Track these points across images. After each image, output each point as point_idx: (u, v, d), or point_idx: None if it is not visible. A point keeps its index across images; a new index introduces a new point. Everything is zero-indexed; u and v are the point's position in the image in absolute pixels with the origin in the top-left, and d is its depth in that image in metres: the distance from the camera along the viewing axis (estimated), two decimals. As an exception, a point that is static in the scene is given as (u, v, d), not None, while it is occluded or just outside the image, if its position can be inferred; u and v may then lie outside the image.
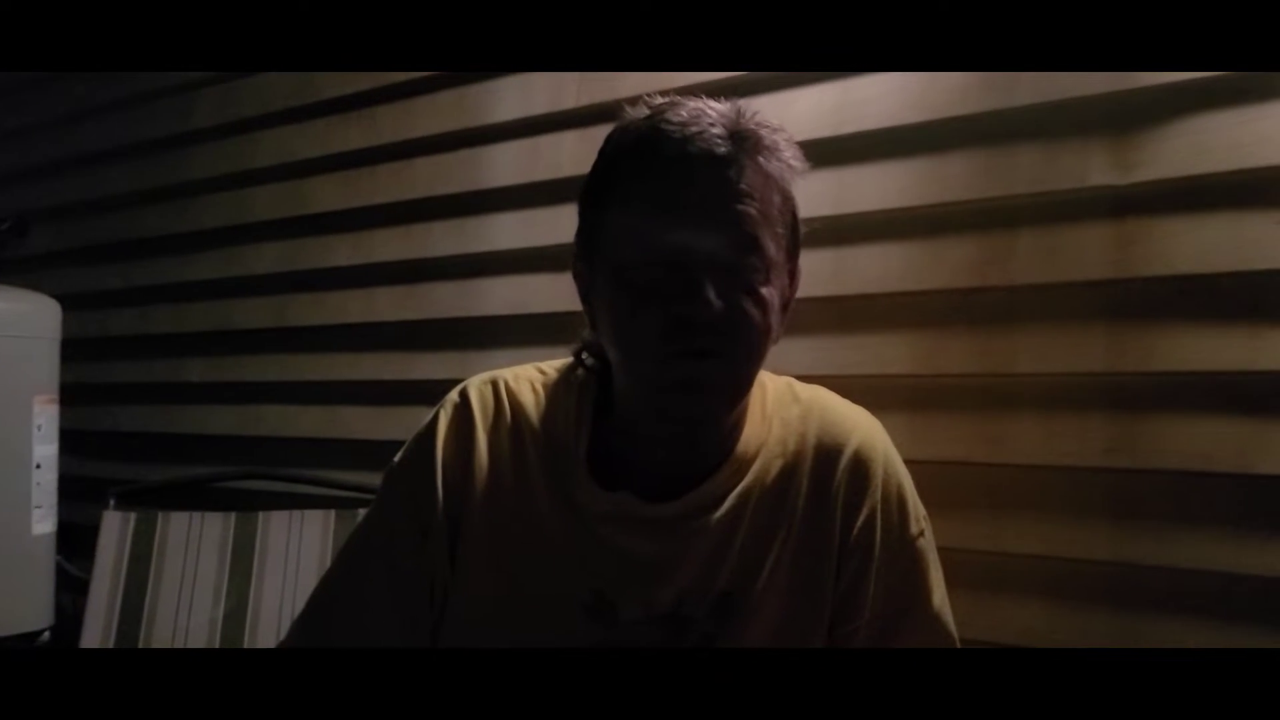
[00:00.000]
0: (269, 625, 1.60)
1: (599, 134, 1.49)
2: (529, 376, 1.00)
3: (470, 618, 0.94)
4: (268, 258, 2.03)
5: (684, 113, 0.87)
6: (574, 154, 1.56)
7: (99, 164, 2.38)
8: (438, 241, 1.75)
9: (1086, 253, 1.11)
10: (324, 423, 1.91)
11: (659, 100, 0.91)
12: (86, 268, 2.40)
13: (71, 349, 2.07)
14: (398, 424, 1.74)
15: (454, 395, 0.99)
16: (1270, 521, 1.00)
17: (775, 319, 0.90)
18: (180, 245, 2.20)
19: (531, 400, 0.98)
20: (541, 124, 1.60)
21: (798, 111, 1.28)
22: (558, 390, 0.99)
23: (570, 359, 1.00)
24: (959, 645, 0.97)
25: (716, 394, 0.90)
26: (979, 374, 1.18)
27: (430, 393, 1.05)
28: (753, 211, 0.86)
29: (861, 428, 0.97)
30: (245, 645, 1.59)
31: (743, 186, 0.86)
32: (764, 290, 0.87)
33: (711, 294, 0.85)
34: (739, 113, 0.89)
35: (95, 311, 2.33)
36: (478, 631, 0.94)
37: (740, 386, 0.91)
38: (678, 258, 0.85)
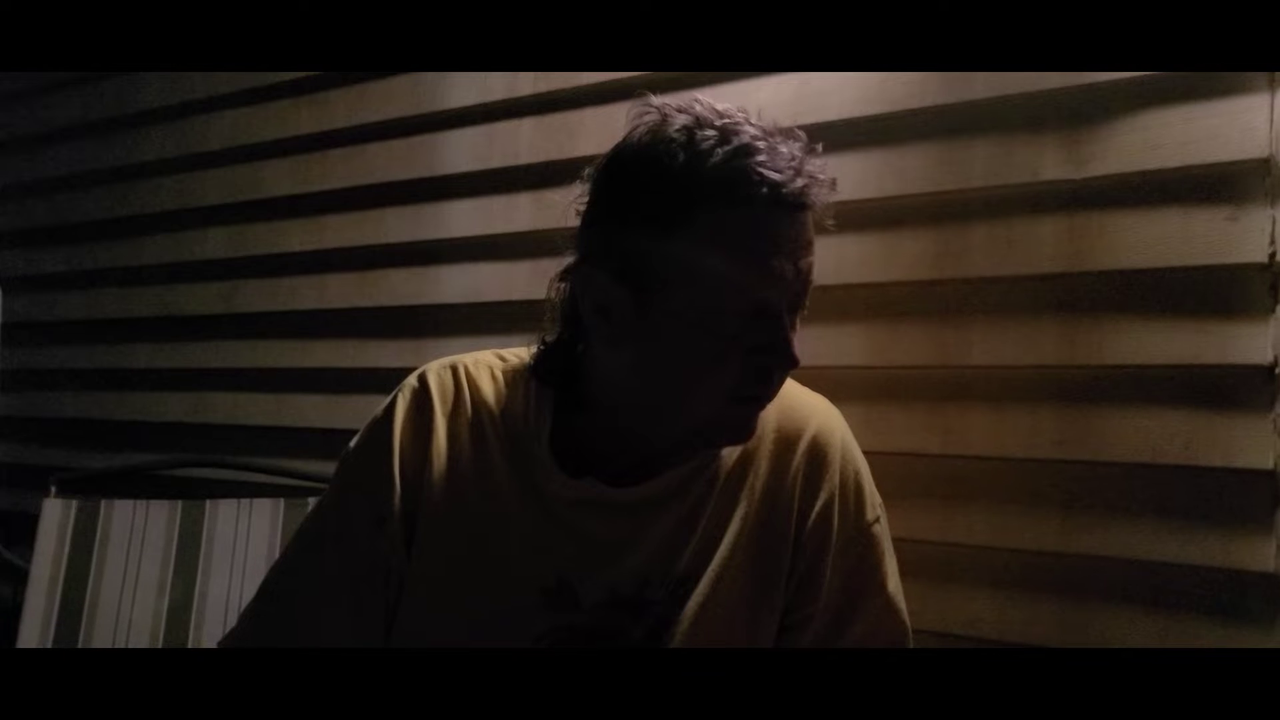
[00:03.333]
0: (216, 617, 1.57)
1: (556, 121, 1.51)
2: (488, 363, 0.99)
3: (428, 605, 0.93)
4: (217, 242, 1.99)
5: (770, 154, 0.84)
6: (531, 141, 1.55)
7: (43, 145, 2.32)
8: (391, 228, 1.73)
9: (1039, 246, 1.12)
10: (274, 410, 1.88)
11: (720, 115, 0.86)
12: (30, 250, 2.35)
13: (13, 333, 2.02)
14: (350, 412, 1.72)
15: (412, 380, 0.98)
16: (1215, 513, 1.02)
17: None
18: (127, 228, 2.15)
19: (491, 386, 0.97)
20: (498, 111, 1.59)
21: (756, 101, 1.25)
22: (518, 377, 0.98)
23: (528, 346, 0.99)
24: (911, 632, 0.98)
25: (757, 425, 0.93)
26: (933, 366, 1.19)
27: (383, 380, 1.03)
28: (814, 258, 0.88)
29: (820, 414, 0.98)
30: (191, 637, 1.56)
31: (812, 235, 0.87)
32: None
33: (795, 346, 0.87)
34: (805, 150, 0.86)
35: (39, 295, 2.28)
36: (435, 619, 0.93)
37: None
38: (768, 310, 0.86)
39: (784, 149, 0.85)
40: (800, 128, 1.23)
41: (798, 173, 0.84)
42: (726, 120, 0.85)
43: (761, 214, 0.84)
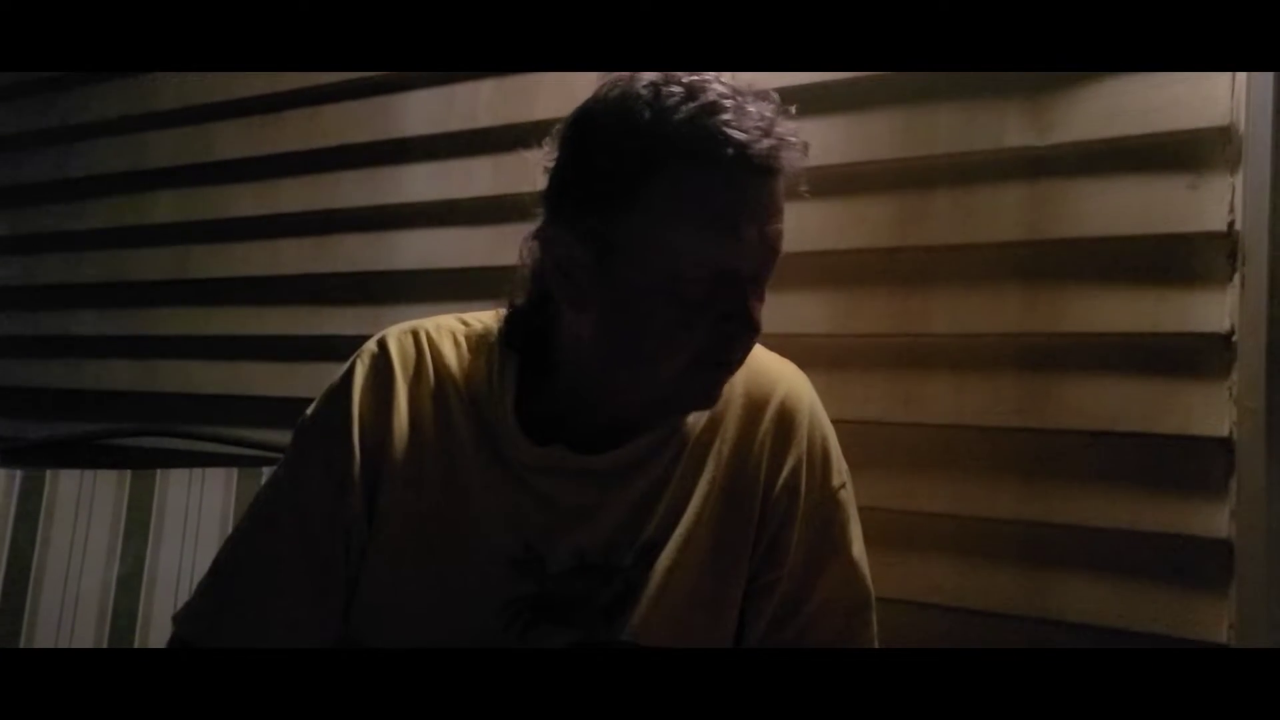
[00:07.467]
0: (166, 588, 1.54)
1: (516, 84, 1.49)
2: (451, 327, 0.97)
3: (392, 574, 0.92)
4: (167, 205, 1.95)
5: (737, 113, 0.82)
6: (490, 104, 1.52)
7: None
8: (347, 192, 1.70)
9: (1002, 214, 1.12)
10: (226, 379, 1.85)
11: (688, 79, 0.84)
12: (-31, 214, 2.28)
13: (-47, 299, 1.97)
14: (304, 380, 1.69)
15: (371, 345, 0.96)
16: (1172, 479, 1.03)
17: None
18: (73, 191, 2.10)
19: (453, 352, 0.95)
20: (456, 73, 1.55)
21: (719, 65, 1.26)
22: (482, 343, 0.96)
23: (491, 310, 0.97)
24: (874, 597, 0.98)
25: (722, 391, 0.91)
26: (895, 334, 1.19)
27: (338, 347, 1.01)
28: (784, 226, 0.86)
29: (788, 380, 0.98)
30: (141, 608, 1.54)
31: (781, 201, 0.85)
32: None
33: (758, 314, 0.86)
34: (776, 112, 0.84)
35: (-21, 260, 2.22)
36: (400, 588, 0.92)
37: None
38: (732, 276, 0.84)
39: (753, 109, 0.83)
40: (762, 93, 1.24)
41: (766, 134, 0.82)
42: (695, 79, 0.83)
43: (725, 175, 0.82)
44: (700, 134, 0.81)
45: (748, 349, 0.90)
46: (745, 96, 0.83)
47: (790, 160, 0.84)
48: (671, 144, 0.82)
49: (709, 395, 0.91)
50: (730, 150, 0.81)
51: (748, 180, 0.83)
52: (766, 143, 0.82)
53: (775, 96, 0.86)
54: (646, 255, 0.84)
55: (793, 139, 0.84)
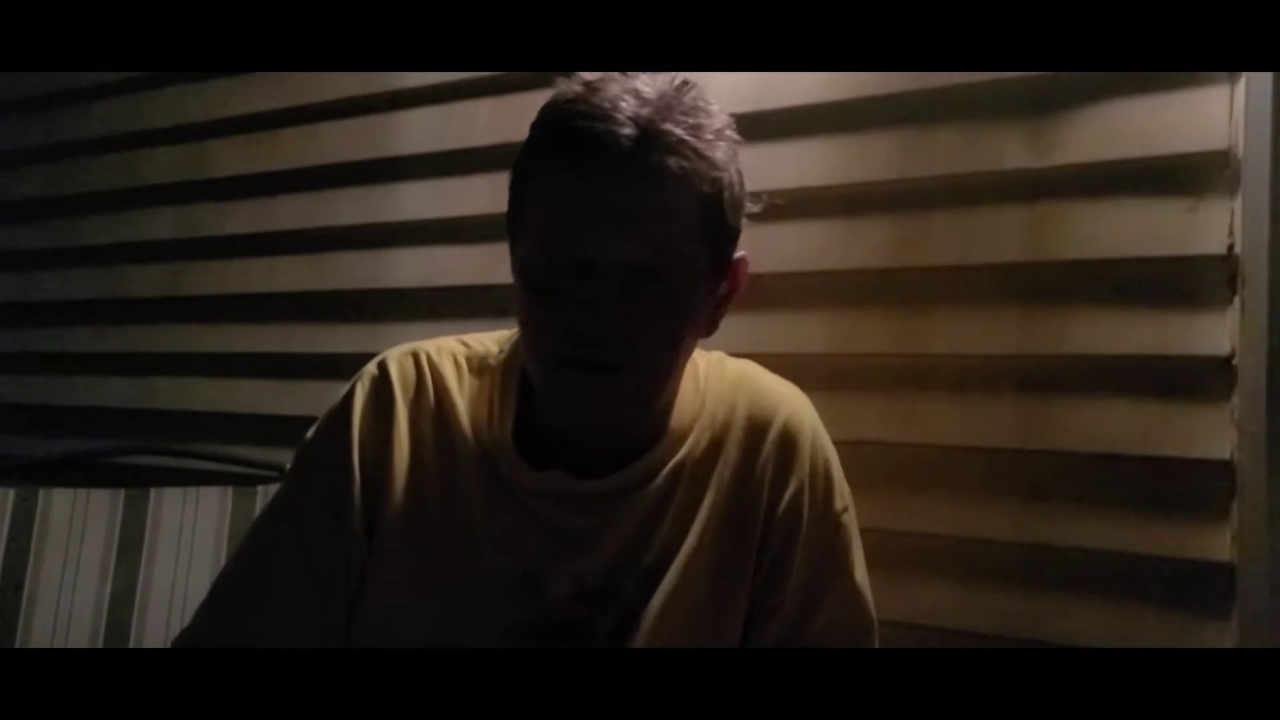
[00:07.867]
0: (159, 608, 1.53)
1: (513, 102, 1.49)
2: (451, 349, 0.97)
3: (391, 598, 0.91)
4: (163, 222, 1.94)
5: (599, 102, 0.80)
6: (488, 122, 1.52)
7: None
8: (344, 210, 1.69)
9: (1002, 235, 1.12)
10: (222, 396, 1.84)
11: (591, 76, 0.84)
12: (-35, 229, 2.27)
13: (-53, 315, 1.96)
14: (301, 398, 1.68)
15: (372, 367, 0.95)
16: (1173, 502, 1.03)
17: (690, 323, 0.87)
18: (69, 208, 2.09)
19: (454, 375, 0.95)
20: (454, 90, 1.56)
21: (720, 86, 1.24)
22: (482, 364, 0.96)
23: (490, 331, 0.97)
24: (876, 622, 0.97)
25: (615, 405, 0.87)
26: (894, 354, 1.19)
27: (335, 366, 1.01)
28: (660, 219, 0.82)
29: (790, 402, 0.97)
30: (134, 628, 1.52)
31: (649, 192, 0.81)
32: (671, 299, 0.84)
33: (608, 308, 0.81)
34: (665, 104, 0.82)
35: (-26, 276, 2.21)
36: (399, 612, 0.91)
37: (645, 395, 0.89)
38: (577, 267, 0.81)
39: (627, 103, 0.80)
40: (763, 113, 1.24)
41: (621, 124, 0.79)
42: (593, 80, 0.83)
43: (573, 166, 0.81)
44: (554, 124, 0.82)
45: (618, 350, 0.84)
46: (626, 84, 0.82)
47: (663, 159, 0.80)
48: (535, 136, 0.84)
49: (573, 401, 0.86)
50: (572, 138, 0.80)
51: (592, 169, 0.81)
52: (626, 132, 0.79)
53: (694, 100, 0.83)
54: (516, 240, 0.87)
55: (682, 140, 0.81)
